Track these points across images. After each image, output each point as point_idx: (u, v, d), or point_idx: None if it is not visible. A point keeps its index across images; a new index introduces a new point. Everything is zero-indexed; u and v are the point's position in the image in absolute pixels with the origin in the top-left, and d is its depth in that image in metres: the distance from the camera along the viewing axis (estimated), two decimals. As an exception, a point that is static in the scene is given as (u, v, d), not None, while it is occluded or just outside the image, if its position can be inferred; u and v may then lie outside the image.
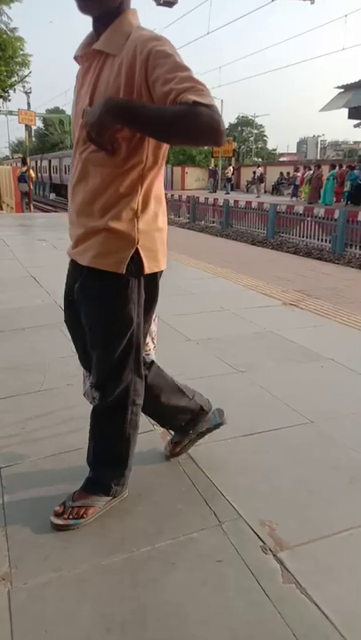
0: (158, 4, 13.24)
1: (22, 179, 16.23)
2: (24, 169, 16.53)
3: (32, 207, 16.68)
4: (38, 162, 38.61)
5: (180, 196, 19.92)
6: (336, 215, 11.88)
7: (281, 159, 42.92)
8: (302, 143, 73.88)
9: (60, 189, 33.20)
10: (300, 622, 1.27)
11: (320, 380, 2.82)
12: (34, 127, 29.75)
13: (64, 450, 2.04)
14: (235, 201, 16.42)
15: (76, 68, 1.50)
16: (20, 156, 46.74)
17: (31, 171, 17.07)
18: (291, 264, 7.01)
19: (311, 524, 1.64)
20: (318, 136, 68.65)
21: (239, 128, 47.86)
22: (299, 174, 19.72)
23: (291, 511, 1.70)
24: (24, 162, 17.52)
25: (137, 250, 1.45)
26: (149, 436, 2.15)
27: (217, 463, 1.97)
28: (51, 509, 1.64)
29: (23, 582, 1.40)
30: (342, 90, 16.31)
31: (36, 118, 19.47)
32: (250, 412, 2.40)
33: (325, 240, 12.25)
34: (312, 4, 13.23)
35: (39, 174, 35.74)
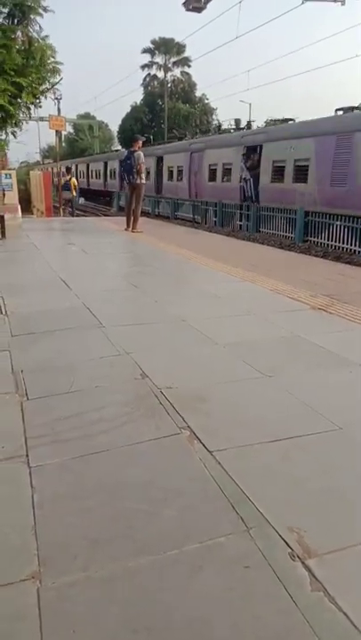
0: (187, 9, 13.33)
1: (66, 187, 17.14)
2: (68, 178, 17.41)
3: (74, 213, 17.59)
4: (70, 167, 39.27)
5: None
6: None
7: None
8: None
9: (86, 194, 33.62)
10: (329, 632, 1.26)
11: (349, 386, 2.77)
12: (64, 132, 30.23)
13: (93, 451, 2.06)
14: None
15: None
16: (50, 160, 47.61)
17: (74, 179, 17.89)
18: (319, 268, 6.92)
19: (340, 531, 1.62)
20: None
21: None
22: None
23: (319, 518, 1.68)
24: (68, 171, 18.46)
25: None
26: (176, 439, 2.15)
27: (244, 468, 1.96)
28: (79, 509, 1.66)
29: (52, 581, 1.42)
30: None
31: (67, 124, 19.82)
32: (277, 417, 2.38)
33: (356, 244, 12.05)
34: (342, 5, 13.09)
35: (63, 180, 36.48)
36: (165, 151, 24.17)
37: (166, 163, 23.44)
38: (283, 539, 1.57)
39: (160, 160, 24.10)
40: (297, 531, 1.61)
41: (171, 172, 23.06)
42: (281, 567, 1.46)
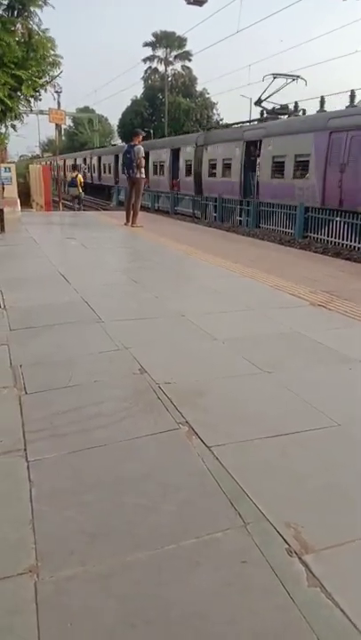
0: (188, 2, 13.25)
1: (72, 183, 17.57)
2: (74, 174, 17.92)
3: (82, 208, 18.27)
4: (66, 160, 39.06)
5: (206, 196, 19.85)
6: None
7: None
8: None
9: (86, 188, 33.51)
10: (326, 627, 1.26)
11: (348, 383, 2.77)
12: (64, 126, 30.14)
13: (91, 446, 2.06)
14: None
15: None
16: (50, 154, 47.44)
17: (80, 176, 18.25)
18: (319, 264, 6.91)
19: (337, 527, 1.62)
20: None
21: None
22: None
23: (317, 514, 1.68)
24: (74, 168, 18.72)
25: None
26: (174, 434, 2.15)
27: (242, 464, 1.96)
28: (77, 504, 1.66)
29: (49, 575, 1.42)
30: None
31: (66, 117, 19.76)
32: (276, 413, 2.38)
33: (356, 240, 12.04)
34: (344, 0, 13.01)
35: (61, 173, 36.42)
36: (207, 140, 19.31)
37: (208, 155, 19.02)
38: (280, 534, 1.57)
39: (197, 150, 19.55)
40: (294, 526, 1.61)
41: (213, 167, 18.55)
42: (278, 563, 1.46)
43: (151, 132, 31.04)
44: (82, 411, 2.36)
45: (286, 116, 17.11)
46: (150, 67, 48.62)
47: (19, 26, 11.63)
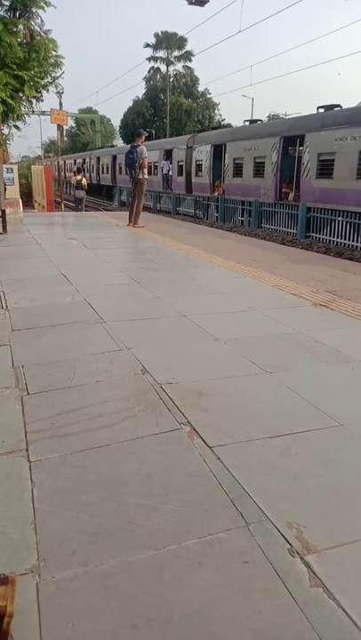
0: (190, 3, 13.25)
1: (78, 186, 18.09)
2: (79, 177, 18.27)
3: (84, 208, 18.76)
4: (67, 161, 39.10)
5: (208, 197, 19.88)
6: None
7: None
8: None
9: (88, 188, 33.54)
10: (328, 628, 1.26)
11: (350, 383, 2.77)
12: (66, 127, 30.17)
13: (93, 446, 2.06)
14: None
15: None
16: (51, 155, 47.52)
17: (84, 180, 18.69)
18: (321, 264, 6.90)
19: (340, 527, 1.62)
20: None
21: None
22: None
23: (319, 514, 1.68)
24: (79, 171, 19.23)
25: None
26: (176, 434, 2.15)
27: (244, 464, 1.95)
28: (78, 504, 1.66)
29: (51, 575, 1.42)
30: None
31: (68, 118, 19.83)
32: (278, 413, 2.38)
33: (358, 240, 12.03)
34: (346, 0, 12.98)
35: (63, 173, 36.51)
36: (233, 136, 18.19)
37: (231, 152, 17.78)
38: (282, 534, 1.57)
39: (218, 149, 18.51)
40: (296, 526, 1.61)
41: (238, 167, 17.33)
42: (280, 563, 1.46)
43: (153, 132, 30.99)
44: (83, 411, 2.36)
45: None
46: (152, 67, 48.67)
47: (21, 27, 11.65)
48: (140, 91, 50.97)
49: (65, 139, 52.92)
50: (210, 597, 1.35)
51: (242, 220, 16.78)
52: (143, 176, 9.88)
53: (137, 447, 2.07)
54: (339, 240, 12.58)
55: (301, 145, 14.66)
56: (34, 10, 11.82)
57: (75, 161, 37.51)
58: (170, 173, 22.63)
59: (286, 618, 1.29)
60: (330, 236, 12.92)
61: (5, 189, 11.61)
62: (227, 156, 18.12)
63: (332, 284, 5.27)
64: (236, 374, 2.82)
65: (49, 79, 13.07)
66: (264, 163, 15.98)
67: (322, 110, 14.46)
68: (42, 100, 13.51)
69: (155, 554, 1.50)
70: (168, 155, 22.70)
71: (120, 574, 1.43)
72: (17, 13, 11.80)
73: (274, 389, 2.64)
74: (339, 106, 14.33)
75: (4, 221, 9.11)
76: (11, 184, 12.72)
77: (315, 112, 14.66)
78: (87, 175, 33.06)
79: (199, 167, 20.18)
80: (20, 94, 12.11)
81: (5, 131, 13.47)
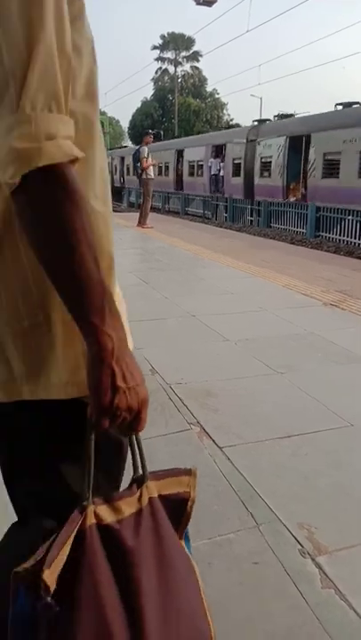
0: (198, 3, 13.27)
1: None
2: None
3: None
4: None
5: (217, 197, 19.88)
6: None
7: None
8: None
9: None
10: (340, 629, 1.25)
11: (361, 383, 2.75)
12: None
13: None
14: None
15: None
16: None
17: None
18: (331, 263, 6.87)
19: (351, 529, 1.61)
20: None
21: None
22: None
23: (330, 515, 1.67)
24: None
25: None
26: (186, 435, 2.15)
27: (254, 465, 1.95)
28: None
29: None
30: None
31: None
32: (288, 414, 2.37)
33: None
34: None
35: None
36: (322, 124, 14.10)
37: (319, 145, 14.20)
38: (293, 535, 1.56)
39: (296, 142, 14.88)
40: (307, 527, 1.60)
41: (332, 165, 13.65)
42: (291, 564, 1.45)
43: (162, 133, 31.04)
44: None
45: None
46: (160, 68, 48.76)
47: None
48: (148, 92, 51.19)
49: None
50: (221, 598, 1.34)
51: (251, 220, 16.73)
52: (147, 176, 9.87)
53: (146, 448, 2.05)
54: (350, 239, 12.48)
55: None
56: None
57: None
58: (220, 173, 18.95)
59: (298, 619, 1.28)
60: (340, 235, 12.83)
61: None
62: (313, 150, 14.25)
63: (342, 283, 5.24)
64: (247, 375, 2.81)
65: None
66: None
67: (340, 108, 14.21)
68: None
69: (165, 554, 1.50)
70: (218, 151, 18.90)
71: (131, 574, 1.43)
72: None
73: (284, 390, 2.63)
74: (358, 103, 14.09)
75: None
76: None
77: (333, 109, 14.42)
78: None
79: (266, 166, 16.53)
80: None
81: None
